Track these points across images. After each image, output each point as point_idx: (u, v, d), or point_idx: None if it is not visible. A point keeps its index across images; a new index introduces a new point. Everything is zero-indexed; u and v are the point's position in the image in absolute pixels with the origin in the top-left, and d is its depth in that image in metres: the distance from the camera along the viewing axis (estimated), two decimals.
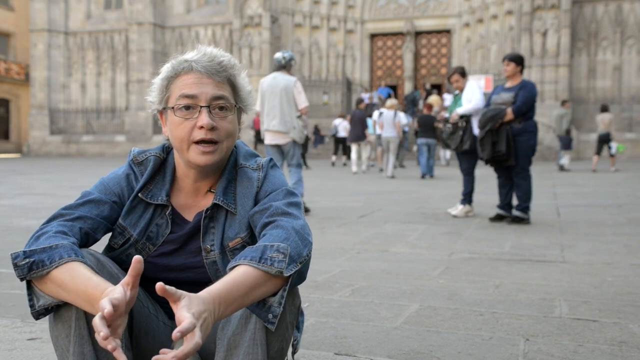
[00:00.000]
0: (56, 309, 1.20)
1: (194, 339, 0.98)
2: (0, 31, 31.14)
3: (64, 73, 29.25)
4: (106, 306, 0.99)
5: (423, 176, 12.31)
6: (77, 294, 1.13)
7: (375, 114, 13.86)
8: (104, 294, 1.07)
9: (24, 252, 1.18)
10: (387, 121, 12.97)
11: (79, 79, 29.24)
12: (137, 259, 1.05)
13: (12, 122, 32.15)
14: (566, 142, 14.37)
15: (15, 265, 1.17)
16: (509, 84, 5.71)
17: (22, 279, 1.18)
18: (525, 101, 5.46)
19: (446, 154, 17.66)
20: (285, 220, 1.28)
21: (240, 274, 1.13)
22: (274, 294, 1.18)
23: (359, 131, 13.71)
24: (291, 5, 26.05)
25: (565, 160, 14.33)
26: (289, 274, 1.16)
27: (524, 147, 5.51)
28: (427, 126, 12.79)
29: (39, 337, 2.12)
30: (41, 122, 28.92)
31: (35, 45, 28.85)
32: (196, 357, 1.31)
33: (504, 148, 5.44)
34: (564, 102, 15.06)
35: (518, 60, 5.61)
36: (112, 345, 0.99)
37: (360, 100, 14.43)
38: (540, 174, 12.21)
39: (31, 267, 1.17)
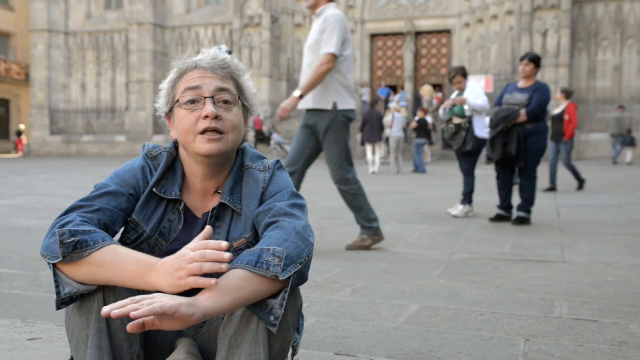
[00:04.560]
0: (77, 301, 1.22)
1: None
2: (0, 31, 31.13)
3: (64, 73, 29.25)
4: (222, 243, 1.13)
5: (416, 170, 14.38)
6: (125, 268, 1.17)
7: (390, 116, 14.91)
8: (161, 260, 1.15)
9: (70, 230, 1.20)
10: (397, 122, 14.07)
11: (79, 79, 29.24)
12: (209, 228, 1.18)
13: (12, 122, 32.15)
14: (628, 140, 16.90)
15: (61, 243, 1.18)
16: (522, 84, 5.61)
17: (63, 256, 1.18)
18: (540, 104, 5.37)
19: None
20: (287, 220, 1.28)
21: (235, 276, 1.15)
22: (275, 296, 1.18)
23: (375, 131, 14.00)
24: (291, 5, 26.05)
25: (629, 156, 16.91)
26: (284, 278, 1.16)
27: (533, 148, 5.44)
28: (423, 127, 14.64)
29: (39, 337, 2.12)
30: (41, 122, 28.92)
31: (35, 45, 28.86)
32: (198, 357, 1.31)
33: (514, 150, 5.36)
34: (619, 107, 17.54)
35: (538, 62, 5.52)
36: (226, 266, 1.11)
37: (374, 101, 14.78)
38: (540, 174, 12.19)
39: (75, 246, 1.18)
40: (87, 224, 1.24)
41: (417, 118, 15.39)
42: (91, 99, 29.02)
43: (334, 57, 3.95)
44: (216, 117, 1.32)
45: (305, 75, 4.11)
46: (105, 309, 1.04)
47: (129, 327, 1.05)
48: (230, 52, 6.22)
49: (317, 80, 3.95)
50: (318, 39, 4.03)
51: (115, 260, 1.18)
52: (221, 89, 1.35)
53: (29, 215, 5.91)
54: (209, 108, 1.32)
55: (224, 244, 1.11)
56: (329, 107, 4.01)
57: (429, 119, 16.51)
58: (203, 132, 1.32)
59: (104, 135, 28.02)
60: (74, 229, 1.20)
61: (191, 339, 1.35)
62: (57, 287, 1.20)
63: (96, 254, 1.18)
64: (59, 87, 29.30)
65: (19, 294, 2.65)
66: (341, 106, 4.04)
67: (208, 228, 1.18)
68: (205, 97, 1.33)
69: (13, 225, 5.20)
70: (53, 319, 2.31)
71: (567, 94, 9.74)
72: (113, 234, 1.34)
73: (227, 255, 1.10)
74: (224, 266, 1.10)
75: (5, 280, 2.90)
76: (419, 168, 14.29)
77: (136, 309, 1.03)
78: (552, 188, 9.25)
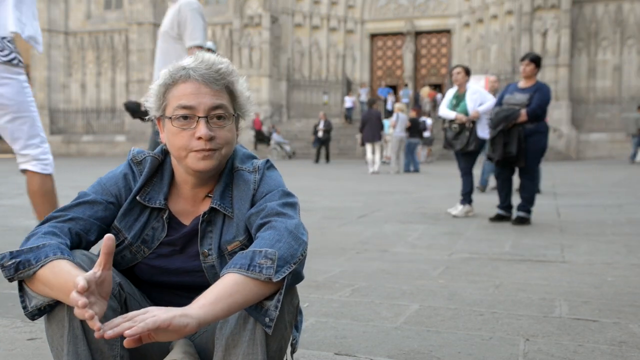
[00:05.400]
0: (50, 310, 1.21)
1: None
2: None
3: (64, 73, 29.26)
4: (79, 281, 1.03)
5: (416, 170, 14.50)
6: (60, 289, 1.14)
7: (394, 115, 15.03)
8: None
9: (10, 252, 1.19)
10: (401, 122, 14.13)
11: (79, 79, 29.25)
12: (108, 236, 1.11)
13: None
14: (638, 140, 17.61)
15: (2, 266, 1.18)
16: (523, 84, 5.60)
17: (10, 280, 1.19)
18: (541, 104, 5.37)
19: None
20: (279, 220, 1.27)
21: (228, 282, 1.14)
22: (271, 298, 1.18)
23: (375, 131, 13.97)
24: (291, 5, 26.06)
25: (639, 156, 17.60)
26: (278, 279, 1.15)
27: (534, 148, 5.43)
28: (415, 127, 14.91)
29: (39, 337, 2.12)
30: (41, 122, 28.87)
31: None
32: (196, 357, 1.31)
33: (515, 150, 5.35)
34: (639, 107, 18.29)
35: (538, 62, 5.51)
36: (90, 313, 1.02)
37: (373, 101, 14.82)
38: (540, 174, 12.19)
39: (17, 267, 1.18)
40: (48, 236, 1.24)
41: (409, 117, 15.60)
42: (91, 99, 29.02)
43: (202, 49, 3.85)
44: (210, 139, 1.30)
45: (159, 64, 3.99)
46: (99, 331, 1.03)
47: (126, 343, 1.04)
48: (211, 50, 6.17)
49: None
50: (171, 28, 3.90)
51: (52, 280, 1.16)
52: (215, 107, 1.31)
53: (29, 215, 5.90)
54: (203, 130, 1.29)
55: (79, 285, 1.04)
56: None
57: (429, 121, 16.70)
58: (196, 150, 1.31)
59: (104, 135, 28.03)
60: (16, 250, 1.20)
61: (188, 339, 1.34)
62: (22, 302, 1.20)
63: (40, 272, 1.17)
64: (59, 87, 29.30)
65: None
66: None
67: (107, 237, 1.11)
68: (198, 117, 1.30)
69: (13, 225, 5.20)
70: None
71: None
72: (87, 243, 1.33)
73: (81, 302, 1.02)
74: (87, 314, 1.03)
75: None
76: (407, 167, 14.53)
77: (130, 327, 1.02)
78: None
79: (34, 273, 1.17)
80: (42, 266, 1.17)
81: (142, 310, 1.07)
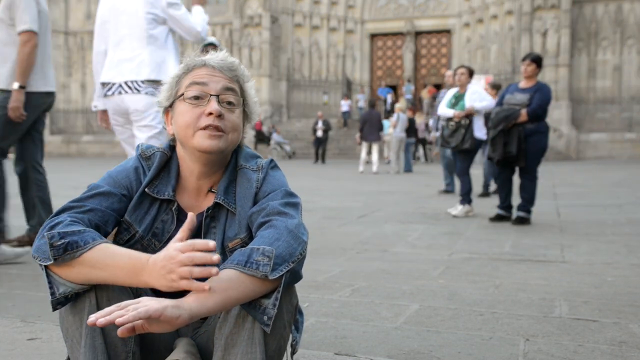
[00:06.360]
0: (75, 299, 1.22)
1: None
2: None
3: (64, 73, 29.24)
4: (209, 241, 1.11)
5: (409, 170, 14.65)
6: (119, 267, 1.16)
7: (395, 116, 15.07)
8: (152, 259, 1.14)
9: (59, 233, 1.20)
10: (401, 122, 14.17)
11: (79, 79, 29.23)
12: (192, 214, 1.18)
13: None
14: None
15: (51, 246, 1.18)
16: (523, 84, 5.60)
17: (55, 259, 1.18)
18: (542, 104, 5.37)
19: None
20: (279, 220, 1.28)
21: (224, 277, 1.15)
22: (269, 296, 1.18)
23: (374, 131, 14.04)
24: (291, 5, 26.05)
25: None
26: (274, 277, 1.16)
27: (534, 148, 5.43)
28: (411, 127, 15.10)
29: (39, 337, 2.12)
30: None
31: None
32: (197, 357, 1.31)
33: (515, 150, 5.36)
34: None
35: (539, 62, 5.51)
36: (215, 270, 1.09)
37: (373, 102, 14.92)
38: (540, 174, 12.19)
39: (66, 248, 1.18)
40: (76, 224, 1.24)
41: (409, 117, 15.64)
42: (91, 99, 28.86)
43: (34, 34, 3.60)
44: (219, 116, 1.33)
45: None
46: (92, 318, 1.04)
47: (120, 332, 1.05)
48: (213, 44, 6.11)
49: (29, 63, 3.62)
50: (3, 12, 3.63)
51: (107, 260, 1.18)
52: (227, 89, 1.37)
53: None
54: (213, 106, 1.33)
55: (211, 244, 1.10)
56: (16, 87, 3.69)
57: (431, 121, 16.74)
58: (204, 128, 1.33)
59: (104, 135, 28.01)
60: (63, 231, 1.20)
61: (190, 339, 1.35)
62: (50, 288, 1.21)
63: (87, 255, 1.18)
64: (59, 87, 29.25)
65: (19, 294, 2.64)
66: (30, 88, 3.78)
67: (191, 216, 1.17)
68: (210, 95, 1.34)
69: (13, 225, 5.20)
70: (53, 319, 2.31)
71: (498, 88, 8.70)
72: (105, 235, 1.33)
73: (216, 257, 1.09)
74: (214, 270, 1.09)
75: (5, 280, 2.89)
76: (406, 167, 14.67)
77: (121, 315, 1.03)
78: (487, 193, 8.33)
79: (80, 255, 1.18)
80: (90, 249, 1.18)
81: (135, 300, 1.09)
